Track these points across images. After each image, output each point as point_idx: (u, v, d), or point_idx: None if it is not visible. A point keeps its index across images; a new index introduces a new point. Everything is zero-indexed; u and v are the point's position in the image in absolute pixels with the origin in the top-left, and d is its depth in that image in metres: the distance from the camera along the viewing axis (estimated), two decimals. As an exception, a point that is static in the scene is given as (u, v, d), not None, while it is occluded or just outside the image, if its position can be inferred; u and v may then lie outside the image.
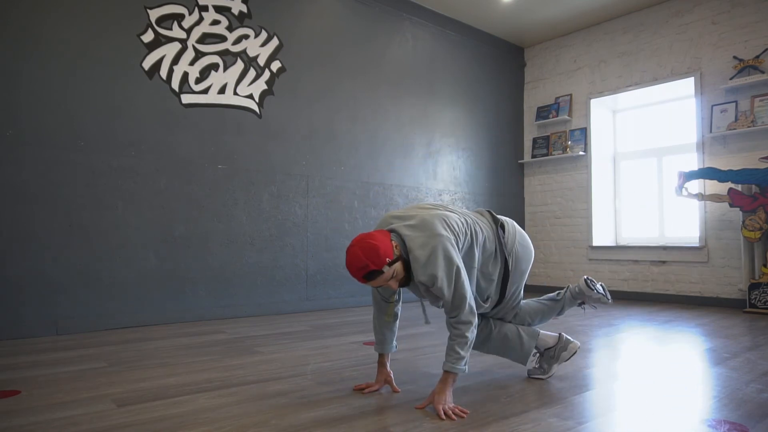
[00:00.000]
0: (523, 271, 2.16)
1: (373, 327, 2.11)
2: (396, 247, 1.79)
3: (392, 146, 5.17)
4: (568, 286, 2.36)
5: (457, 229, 1.87)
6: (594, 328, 3.62)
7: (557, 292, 2.37)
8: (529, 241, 2.21)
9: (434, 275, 1.75)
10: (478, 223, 2.01)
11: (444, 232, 1.80)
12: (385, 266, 1.72)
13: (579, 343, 2.29)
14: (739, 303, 4.71)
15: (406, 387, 2.09)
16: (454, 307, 1.82)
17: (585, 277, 2.31)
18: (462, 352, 1.81)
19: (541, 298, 2.37)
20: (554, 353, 2.23)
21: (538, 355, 2.27)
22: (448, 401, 1.78)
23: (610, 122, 6.11)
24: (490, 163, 6.14)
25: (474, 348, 2.19)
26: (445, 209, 1.98)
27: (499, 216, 2.15)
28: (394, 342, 2.12)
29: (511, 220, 2.21)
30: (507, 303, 2.16)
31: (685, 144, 5.39)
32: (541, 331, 2.26)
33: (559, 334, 2.26)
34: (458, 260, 1.79)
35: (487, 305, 2.08)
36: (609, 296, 2.32)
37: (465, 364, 1.82)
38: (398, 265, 1.78)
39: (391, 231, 1.85)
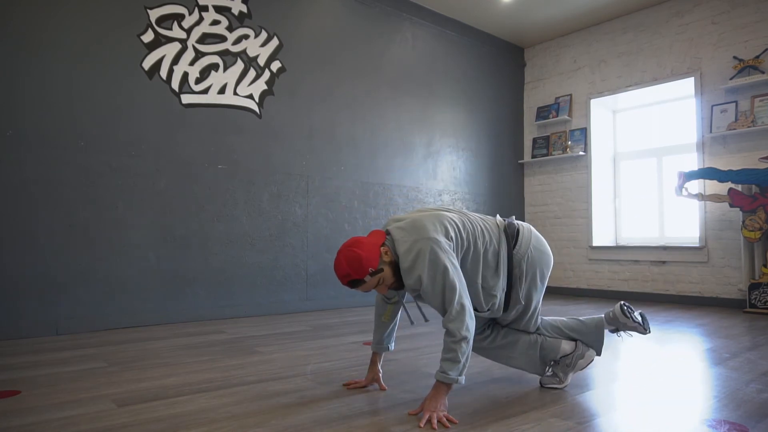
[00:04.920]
0: (539, 277, 2.00)
1: (374, 324, 2.11)
2: (387, 252, 1.79)
3: (392, 146, 5.17)
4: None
5: (452, 230, 1.81)
6: (594, 328, 3.61)
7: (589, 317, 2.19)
8: (547, 246, 2.07)
9: (419, 278, 1.71)
10: (485, 232, 1.92)
11: (432, 234, 1.75)
12: (367, 276, 1.73)
13: (595, 352, 2.12)
14: (739, 303, 4.71)
15: (405, 387, 2.09)
16: (443, 309, 1.75)
17: (622, 302, 2.12)
18: (454, 358, 1.69)
19: (567, 318, 2.20)
20: (571, 361, 2.08)
21: (552, 362, 2.12)
22: (440, 408, 1.67)
23: (610, 122, 6.11)
24: (490, 163, 6.14)
25: (484, 356, 2.16)
26: (446, 210, 1.92)
27: (517, 222, 2.03)
28: (392, 343, 2.11)
29: (528, 225, 2.08)
30: (525, 313, 2.04)
31: (685, 144, 5.39)
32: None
33: (576, 341, 2.10)
34: (447, 261, 1.73)
35: (487, 312, 1.97)
36: (648, 326, 2.12)
37: (460, 373, 1.69)
38: (386, 272, 1.77)
39: (387, 232, 1.85)
